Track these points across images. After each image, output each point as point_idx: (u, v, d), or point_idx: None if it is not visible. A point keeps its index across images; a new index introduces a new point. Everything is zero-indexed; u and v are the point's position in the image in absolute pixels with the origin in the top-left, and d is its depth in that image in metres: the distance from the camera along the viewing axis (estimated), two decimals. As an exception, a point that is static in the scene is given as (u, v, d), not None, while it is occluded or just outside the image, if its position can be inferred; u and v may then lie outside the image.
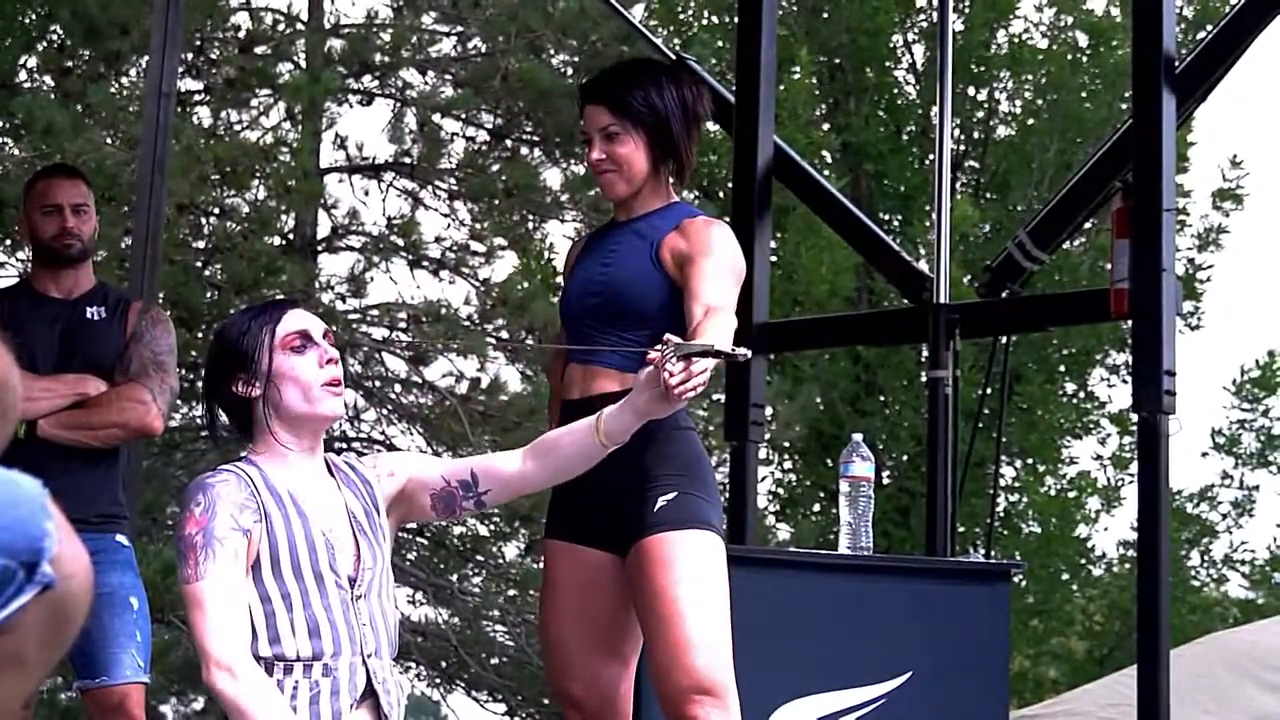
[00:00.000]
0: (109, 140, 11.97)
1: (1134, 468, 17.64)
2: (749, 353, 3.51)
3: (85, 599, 1.50)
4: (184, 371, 11.00)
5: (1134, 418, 5.73)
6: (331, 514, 3.57)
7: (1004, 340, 6.64)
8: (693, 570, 3.74)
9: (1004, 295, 6.42)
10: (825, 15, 18.20)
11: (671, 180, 4.05)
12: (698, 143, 4.09)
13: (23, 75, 12.96)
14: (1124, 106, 16.93)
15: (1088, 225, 11.15)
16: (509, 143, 13.53)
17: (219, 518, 3.45)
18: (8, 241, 12.26)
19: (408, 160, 13.28)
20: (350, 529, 3.57)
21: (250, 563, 3.47)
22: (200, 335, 11.96)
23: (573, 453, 3.61)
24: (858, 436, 5.04)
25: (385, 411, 13.05)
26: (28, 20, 12.96)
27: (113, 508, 4.84)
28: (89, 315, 4.92)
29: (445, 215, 13.57)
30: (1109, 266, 5.66)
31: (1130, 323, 5.53)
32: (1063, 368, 18.61)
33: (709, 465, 3.92)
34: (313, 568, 3.50)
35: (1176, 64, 5.56)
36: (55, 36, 12.97)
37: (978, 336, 6.78)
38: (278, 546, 3.49)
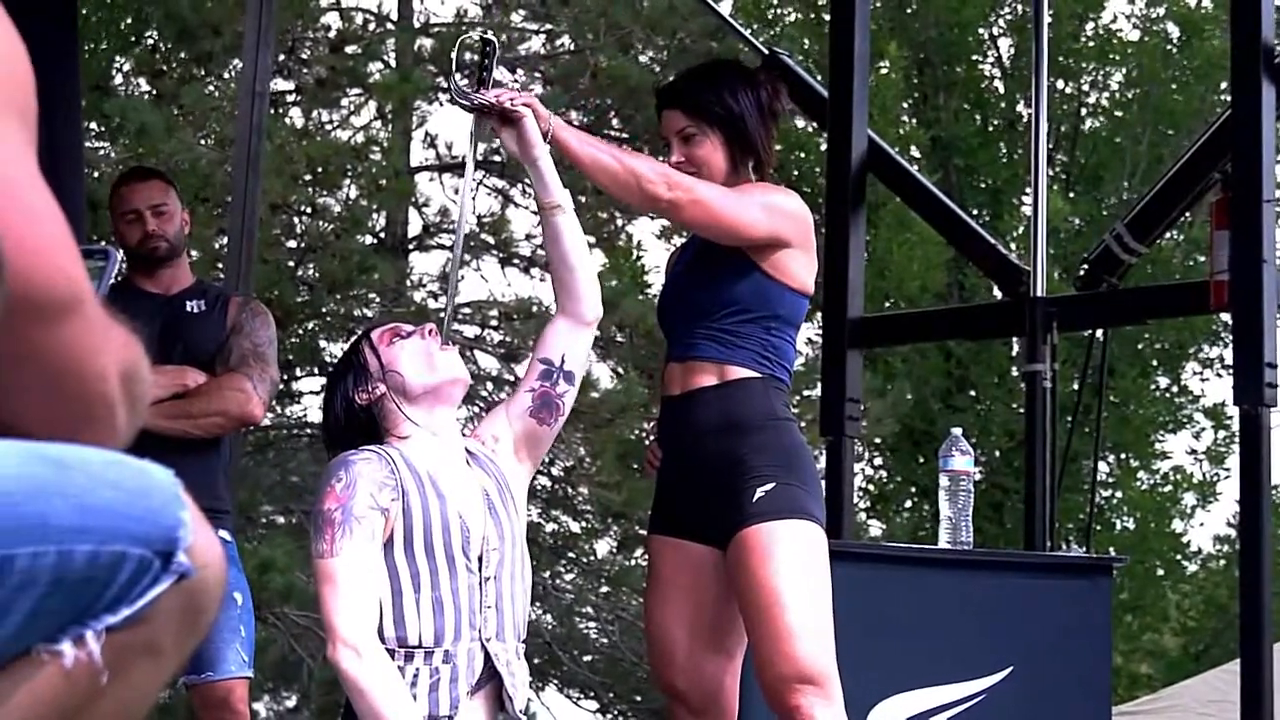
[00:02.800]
0: (202, 141, 12.06)
1: (1229, 462, 17.56)
2: (494, 40, 3.94)
3: (219, 589, 1.51)
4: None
5: (1229, 411, 5.68)
6: (468, 495, 3.59)
7: (1100, 334, 6.59)
8: (792, 560, 3.73)
9: (1102, 288, 6.37)
10: (912, 9, 18.13)
11: (753, 178, 4.04)
12: (775, 139, 4.09)
13: (118, 78, 13.08)
14: (1217, 98, 16.78)
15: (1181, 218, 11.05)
16: (598, 140, 13.53)
17: (359, 495, 3.46)
18: (103, 243, 12.35)
19: (498, 158, 13.31)
20: (484, 509, 3.58)
21: (384, 541, 3.49)
22: (297, 336, 12.02)
23: (550, 242, 3.89)
24: (956, 430, 5.00)
25: (477, 409, 13.08)
26: (123, 24, 13.07)
27: (215, 502, 4.84)
28: (189, 309, 4.94)
29: (535, 213, 13.60)
30: (1204, 259, 5.61)
31: (1229, 315, 5.48)
32: (1155, 362, 18.47)
33: (809, 455, 3.90)
34: (445, 550, 3.51)
35: (1276, 53, 5.51)
36: (149, 39, 13.08)
37: (1075, 330, 6.73)
38: (413, 526, 3.50)
